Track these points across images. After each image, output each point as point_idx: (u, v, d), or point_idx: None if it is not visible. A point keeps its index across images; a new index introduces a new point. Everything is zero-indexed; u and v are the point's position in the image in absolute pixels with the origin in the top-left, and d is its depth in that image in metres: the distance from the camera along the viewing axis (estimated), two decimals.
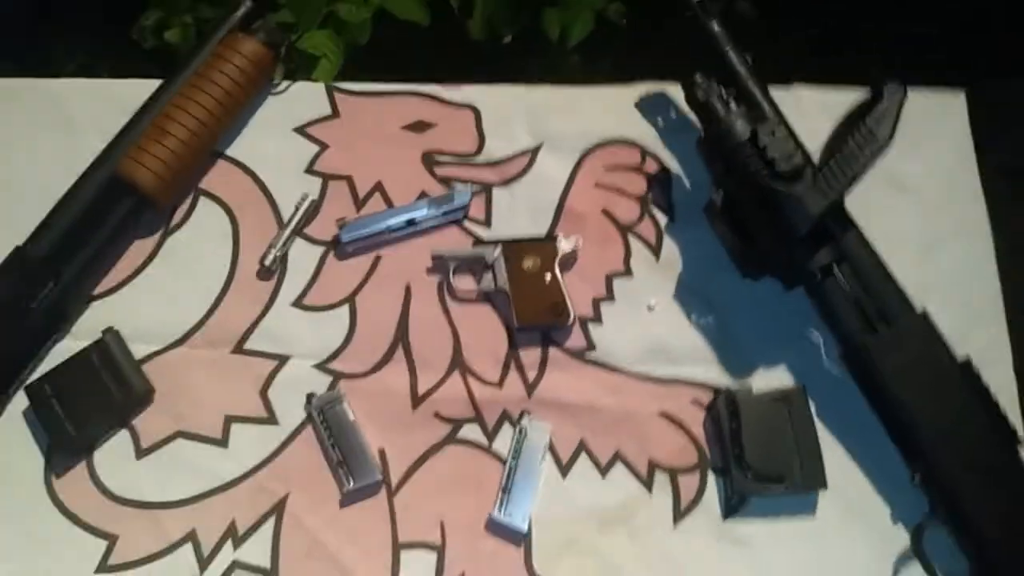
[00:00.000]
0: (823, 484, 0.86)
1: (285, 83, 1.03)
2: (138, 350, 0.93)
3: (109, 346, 0.91)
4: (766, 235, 0.87)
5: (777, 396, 0.89)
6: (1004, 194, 1.01)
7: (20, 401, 0.91)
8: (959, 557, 0.84)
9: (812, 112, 0.97)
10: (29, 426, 0.91)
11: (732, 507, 0.88)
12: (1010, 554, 0.81)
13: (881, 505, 0.88)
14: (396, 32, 1.34)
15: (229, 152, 1.01)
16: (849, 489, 0.88)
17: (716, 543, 0.87)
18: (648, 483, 0.89)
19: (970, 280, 0.96)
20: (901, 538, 0.87)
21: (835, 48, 1.54)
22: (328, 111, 1.02)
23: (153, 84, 0.97)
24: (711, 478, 0.89)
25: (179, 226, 0.98)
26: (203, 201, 0.99)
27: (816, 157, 0.89)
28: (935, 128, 1.00)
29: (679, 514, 0.88)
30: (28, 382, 0.90)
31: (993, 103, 1.10)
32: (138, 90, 0.97)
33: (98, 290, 0.96)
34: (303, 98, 1.03)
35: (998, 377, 0.87)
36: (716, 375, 0.92)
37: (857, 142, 0.84)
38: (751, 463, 0.86)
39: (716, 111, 0.91)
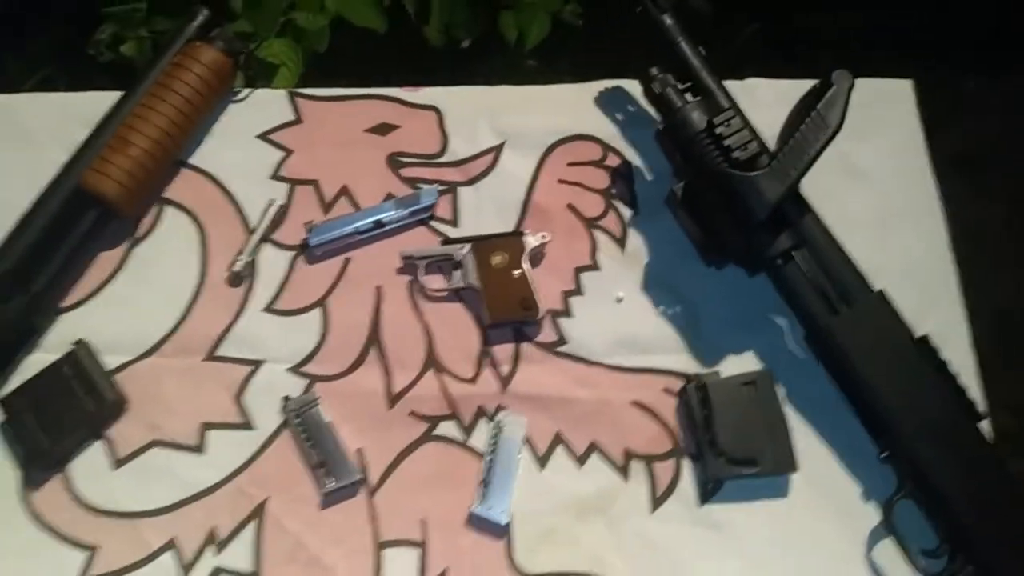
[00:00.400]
0: (794, 466, 0.88)
1: (246, 90, 1.04)
2: (109, 361, 0.93)
3: (80, 358, 0.91)
4: (726, 223, 0.89)
5: (746, 380, 0.90)
6: (955, 182, 1.04)
7: None
8: (929, 530, 0.86)
9: (767, 103, 0.98)
10: (3, 440, 0.90)
11: (708, 492, 0.89)
12: (977, 523, 0.83)
13: (851, 483, 0.90)
14: (354, 39, 1.35)
15: (193, 161, 1.01)
16: (819, 468, 0.90)
17: (693, 528, 0.88)
18: (624, 472, 0.90)
19: (924, 261, 0.98)
20: (872, 514, 0.88)
21: (787, 41, 1.57)
22: (291, 116, 1.03)
23: (113, 96, 0.97)
24: (686, 464, 0.91)
25: (145, 236, 0.98)
26: (169, 210, 0.99)
27: (772, 146, 0.91)
28: (885, 114, 1.03)
29: (656, 501, 0.89)
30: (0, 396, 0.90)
31: (942, 93, 1.13)
32: (98, 102, 0.98)
33: (66, 303, 0.95)
34: (265, 105, 1.04)
35: (957, 355, 0.89)
36: (686, 363, 0.94)
37: (809, 128, 0.86)
38: (724, 448, 0.88)
39: (672, 103, 0.93)
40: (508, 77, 1.07)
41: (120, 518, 0.89)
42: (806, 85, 0.95)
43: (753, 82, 1.04)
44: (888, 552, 0.87)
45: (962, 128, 1.03)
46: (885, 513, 0.87)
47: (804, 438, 0.91)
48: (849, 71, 0.88)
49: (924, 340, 0.88)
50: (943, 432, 0.85)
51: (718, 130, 0.89)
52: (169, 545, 0.87)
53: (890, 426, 0.86)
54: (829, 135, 0.86)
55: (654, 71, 0.94)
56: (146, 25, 1.31)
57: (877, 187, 1.01)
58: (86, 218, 0.94)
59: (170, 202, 1.00)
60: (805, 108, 0.89)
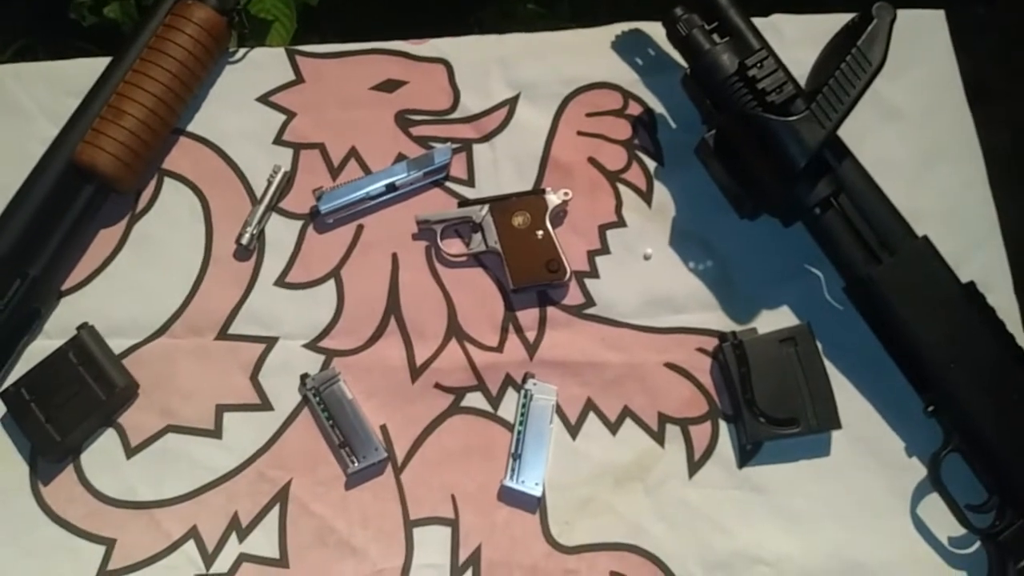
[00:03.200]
0: (837, 424, 0.84)
1: (242, 51, 0.98)
2: (117, 344, 0.89)
3: (86, 342, 0.87)
4: (763, 172, 0.84)
5: (783, 336, 0.86)
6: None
7: None
8: (977, 485, 0.83)
9: (795, 41, 0.95)
10: (9, 433, 0.87)
11: (747, 454, 0.86)
12: None
13: (895, 439, 0.87)
14: None
15: (191, 128, 0.96)
16: (862, 425, 0.87)
17: (734, 492, 0.85)
18: (660, 437, 0.87)
19: (963, 203, 0.94)
20: (917, 470, 0.86)
21: None
22: (292, 77, 0.97)
23: (102, 63, 0.92)
24: (723, 426, 0.87)
25: (146, 211, 0.94)
26: (168, 182, 0.94)
27: (803, 84, 0.87)
28: (918, 48, 0.97)
29: (694, 466, 0.86)
30: (3, 387, 0.86)
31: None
32: (87, 70, 0.93)
33: (67, 285, 0.91)
34: (264, 65, 0.98)
35: (1000, 300, 0.86)
36: (719, 320, 0.90)
37: (850, 67, 0.81)
38: (763, 408, 0.84)
39: (700, 45, 0.88)
40: (506, 24, 1.01)
41: (137, 508, 0.85)
42: (834, 19, 0.90)
43: (779, 18, 0.98)
44: (935, 508, 0.85)
45: (963, 55, 0.99)
46: (932, 468, 0.85)
47: (844, 393, 0.87)
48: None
49: (971, 286, 0.84)
50: (993, 382, 0.82)
51: (751, 72, 0.83)
52: (190, 534, 0.85)
53: (938, 379, 0.82)
54: (871, 74, 0.81)
55: (678, 11, 0.88)
56: None
57: (912, 126, 0.96)
58: (82, 195, 0.89)
59: (169, 173, 0.94)
60: (842, 45, 0.84)
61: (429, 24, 1.03)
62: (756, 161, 0.84)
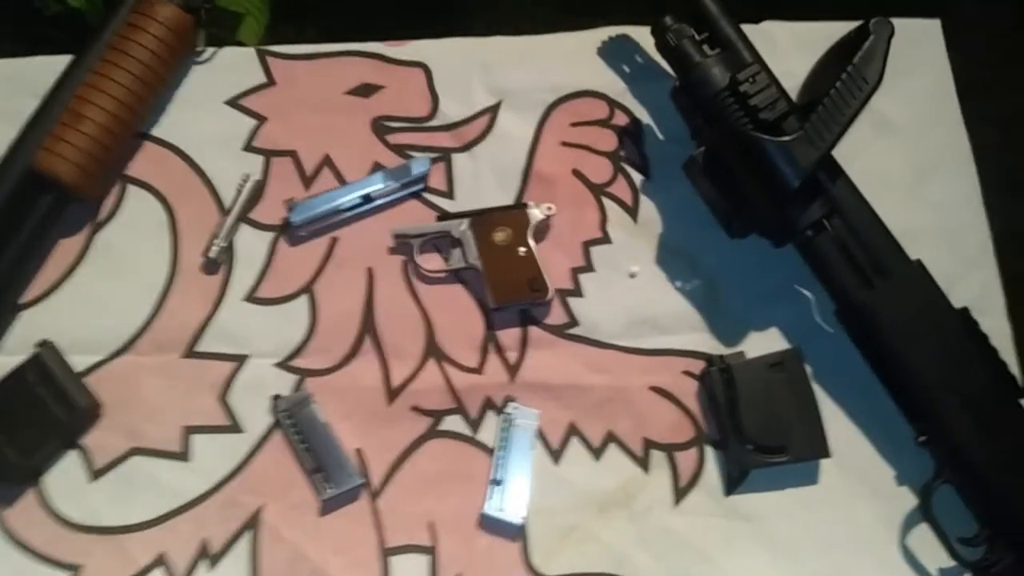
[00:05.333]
0: (826, 452, 0.82)
1: (210, 50, 0.93)
2: (78, 362, 0.85)
3: (45, 361, 0.83)
4: (754, 192, 0.81)
5: (772, 361, 0.84)
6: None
7: None
8: (968, 517, 0.82)
9: (786, 50, 0.92)
10: None
11: (733, 482, 0.84)
12: (1021, 509, 0.79)
13: (885, 467, 0.85)
14: None
15: (156, 133, 0.91)
16: (851, 453, 0.85)
17: (720, 520, 0.83)
18: (644, 463, 0.84)
19: (958, 221, 0.92)
20: (907, 500, 0.84)
21: None
22: (263, 79, 0.93)
23: (62, 61, 0.87)
24: (709, 453, 0.85)
25: (108, 220, 0.89)
26: (132, 190, 0.90)
27: (794, 97, 0.84)
28: (912, 59, 0.93)
29: (679, 493, 0.84)
30: None
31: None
32: (46, 68, 0.88)
33: (26, 298, 0.87)
34: (233, 66, 0.93)
35: (993, 323, 0.84)
36: (707, 342, 0.87)
37: (846, 86, 0.78)
38: (750, 435, 0.82)
39: (690, 57, 0.84)
40: (488, 13, 0.97)
41: (103, 534, 0.82)
42: (827, 27, 0.88)
43: (770, 25, 0.95)
44: (924, 539, 0.83)
45: (952, 52, 0.97)
46: (922, 499, 0.83)
47: (834, 420, 0.85)
48: (884, 16, 0.80)
49: (965, 312, 0.81)
50: (986, 412, 0.80)
51: (742, 88, 0.80)
52: (158, 562, 0.81)
53: (930, 408, 0.80)
54: (867, 93, 0.78)
55: (668, 20, 0.85)
56: None
57: (905, 139, 0.94)
58: (41, 203, 0.84)
59: (133, 180, 0.90)
60: (837, 60, 0.81)
61: (412, 12, 0.99)
62: (747, 181, 0.81)
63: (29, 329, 0.86)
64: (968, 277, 0.88)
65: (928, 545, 0.83)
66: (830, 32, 0.86)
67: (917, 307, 0.81)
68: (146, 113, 0.89)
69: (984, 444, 0.79)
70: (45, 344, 0.84)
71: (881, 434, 0.85)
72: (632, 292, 0.88)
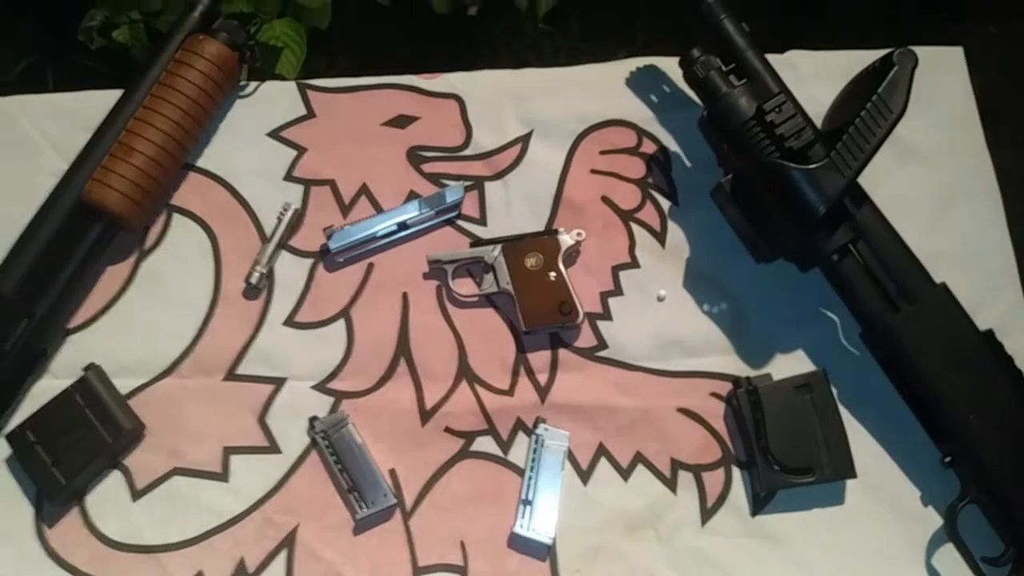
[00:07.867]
0: (852, 473, 0.83)
1: (252, 84, 0.97)
2: (123, 385, 0.88)
3: (92, 383, 0.86)
4: (781, 219, 0.83)
5: (799, 383, 0.85)
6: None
7: (2, 449, 0.85)
8: (993, 536, 0.82)
9: (811, 78, 0.94)
10: (14, 476, 0.85)
11: (760, 502, 0.85)
12: None
13: (911, 489, 0.86)
14: (357, 14, 1.27)
15: (200, 164, 0.95)
16: (877, 474, 0.86)
17: (747, 540, 0.84)
18: (672, 483, 0.86)
19: (982, 245, 0.93)
20: (932, 520, 0.85)
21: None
22: (303, 111, 0.96)
23: (111, 96, 0.90)
24: (736, 473, 0.86)
25: (154, 248, 0.92)
26: (177, 218, 0.93)
27: (818, 123, 0.86)
28: (936, 87, 0.95)
29: (707, 513, 0.85)
30: (8, 429, 0.85)
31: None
32: (96, 103, 0.91)
33: (74, 323, 0.90)
34: (274, 99, 0.97)
35: (1018, 345, 0.84)
36: (734, 365, 0.89)
37: (871, 115, 0.80)
38: (777, 456, 0.83)
39: (717, 88, 0.86)
40: (514, 43, 1.00)
41: (143, 552, 0.84)
42: (851, 56, 0.90)
43: (795, 54, 0.97)
44: (950, 559, 0.84)
45: (974, 73, 0.98)
46: (948, 519, 0.83)
47: (860, 441, 0.86)
48: (907, 47, 0.82)
49: (990, 335, 0.82)
50: (1012, 434, 0.81)
51: (768, 117, 0.82)
52: None
53: (956, 429, 0.81)
54: (892, 122, 0.80)
55: (695, 52, 0.87)
56: (137, 7, 1.22)
57: (929, 166, 0.95)
58: (91, 233, 0.87)
59: (178, 209, 0.93)
60: (862, 90, 0.82)
61: (438, 42, 1.02)
62: (774, 208, 0.83)
63: (77, 353, 0.89)
64: (993, 300, 0.89)
65: (954, 565, 0.83)
66: (853, 61, 0.87)
67: (942, 330, 0.82)
68: (192, 146, 0.92)
69: (1010, 464, 0.80)
70: (92, 367, 0.87)
71: (907, 455, 0.86)
72: (660, 315, 0.90)
